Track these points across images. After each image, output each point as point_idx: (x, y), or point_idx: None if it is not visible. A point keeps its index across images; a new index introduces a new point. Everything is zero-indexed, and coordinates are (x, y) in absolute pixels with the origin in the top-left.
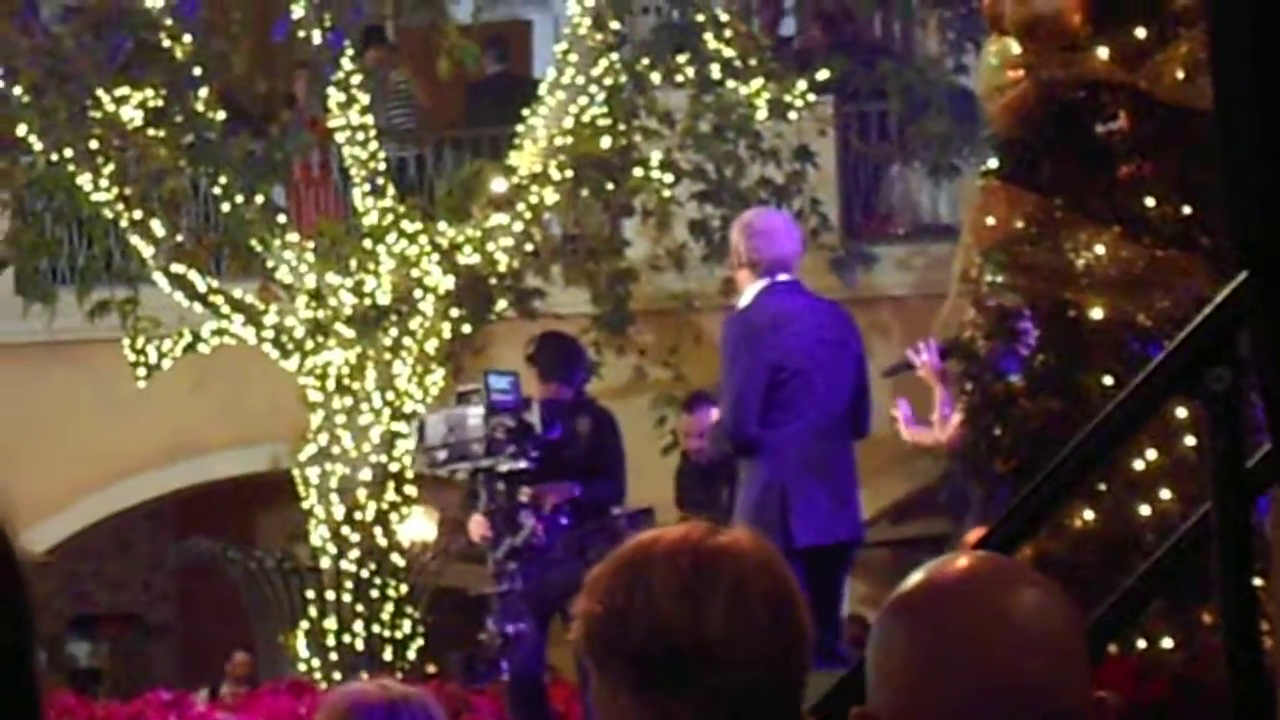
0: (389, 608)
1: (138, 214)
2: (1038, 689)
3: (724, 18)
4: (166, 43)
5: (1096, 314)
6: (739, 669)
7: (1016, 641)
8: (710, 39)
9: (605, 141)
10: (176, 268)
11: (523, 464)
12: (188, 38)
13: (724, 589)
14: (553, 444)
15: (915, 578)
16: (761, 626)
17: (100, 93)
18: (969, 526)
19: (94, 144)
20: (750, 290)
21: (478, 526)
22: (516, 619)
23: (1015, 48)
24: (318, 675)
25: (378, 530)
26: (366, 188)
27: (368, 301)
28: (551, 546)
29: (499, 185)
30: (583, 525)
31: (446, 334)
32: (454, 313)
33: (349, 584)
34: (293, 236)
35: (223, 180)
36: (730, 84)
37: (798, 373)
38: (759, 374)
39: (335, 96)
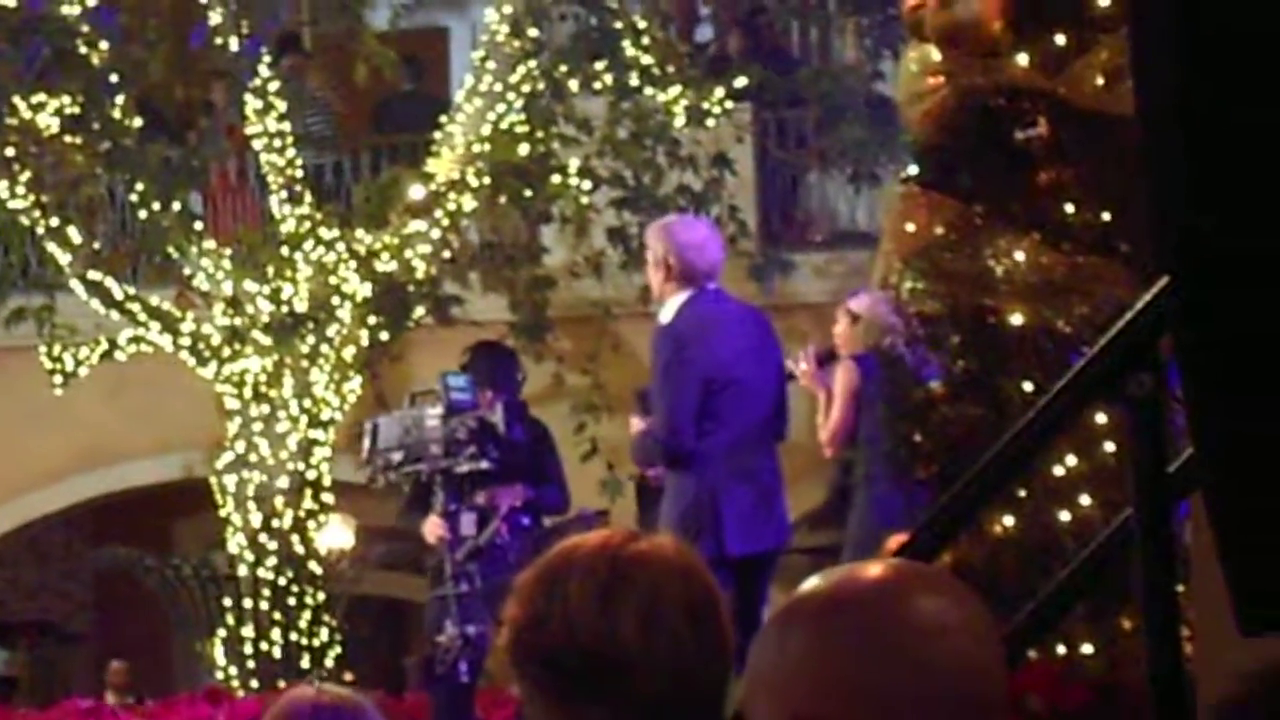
0: (306, 615)
1: (54, 221)
2: (954, 695)
3: (642, 25)
4: (84, 49)
5: (1016, 320)
6: (655, 677)
7: (930, 648)
8: (628, 46)
9: (523, 148)
10: (93, 275)
11: (484, 464)
12: (105, 44)
13: (639, 596)
14: (514, 445)
15: (819, 584)
16: (679, 634)
17: (16, 99)
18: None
19: (10, 151)
20: (675, 300)
21: (434, 528)
22: (475, 620)
23: (935, 54)
24: (235, 683)
25: (295, 538)
26: (284, 195)
27: (285, 309)
28: (515, 546)
29: (417, 192)
30: (537, 528)
31: (364, 341)
32: (371, 320)
33: (266, 591)
34: (210, 244)
35: (140, 187)
36: (648, 91)
37: (727, 382)
38: (693, 386)
39: (252, 104)
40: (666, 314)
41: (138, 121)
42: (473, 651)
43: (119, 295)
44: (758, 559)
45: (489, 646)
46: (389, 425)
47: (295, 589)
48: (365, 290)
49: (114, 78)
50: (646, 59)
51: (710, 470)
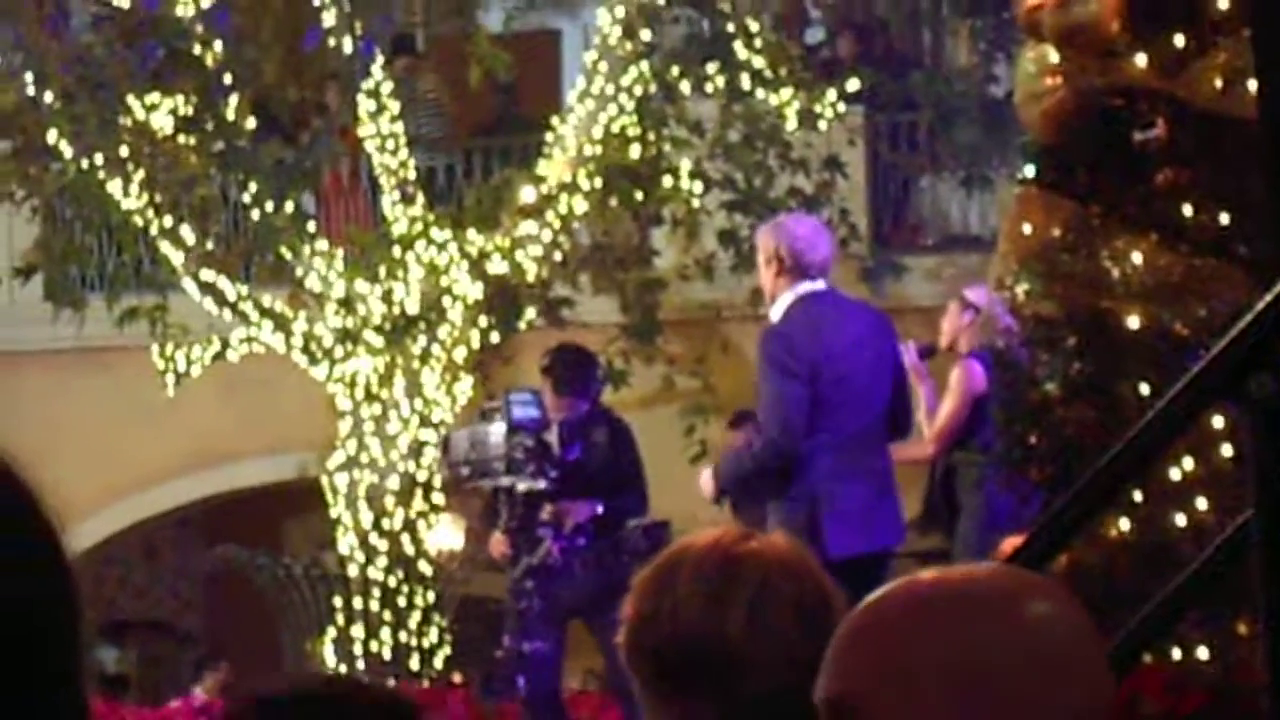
0: (416, 616)
1: (167, 221)
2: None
3: (754, 27)
4: (197, 50)
5: (1133, 322)
6: (763, 675)
7: (1041, 649)
8: (740, 48)
9: (634, 151)
10: (206, 275)
11: (541, 484)
12: (219, 45)
13: (748, 594)
14: (570, 465)
15: (922, 582)
16: (787, 633)
17: (131, 100)
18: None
19: (124, 151)
20: (785, 297)
21: (497, 545)
22: (532, 637)
23: (1053, 55)
24: None
25: (405, 538)
26: (396, 196)
27: (396, 310)
28: (568, 567)
29: (528, 194)
30: (600, 540)
31: (475, 343)
32: (482, 321)
33: (376, 591)
34: (322, 244)
35: (253, 187)
36: (760, 94)
37: (837, 380)
38: (802, 384)
39: (365, 105)
40: (777, 311)
41: (251, 122)
42: (529, 667)
43: (231, 295)
44: (866, 560)
45: (553, 662)
46: (459, 439)
47: (405, 589)
48: (476, 292)
49: (228, 79)
50: (758, 61)
51: (816, 470)
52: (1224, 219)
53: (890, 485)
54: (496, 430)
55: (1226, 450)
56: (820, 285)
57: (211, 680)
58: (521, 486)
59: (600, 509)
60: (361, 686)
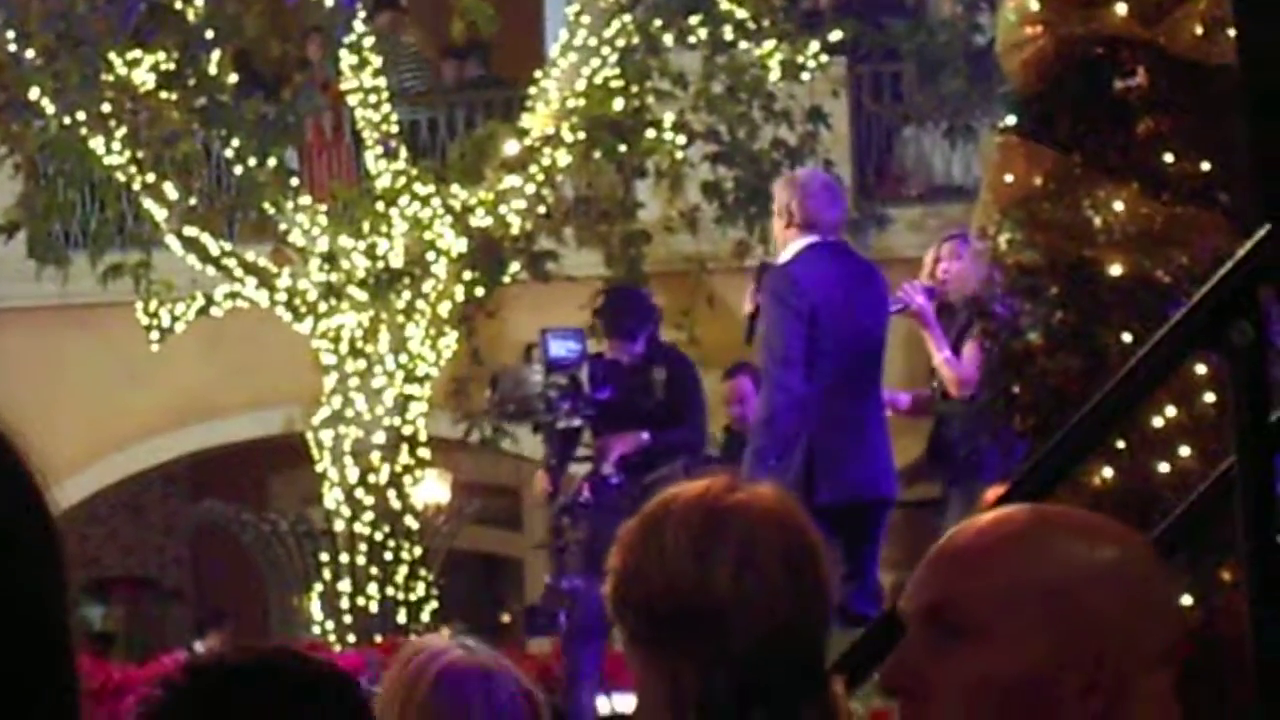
0: (403, 570)
1: (150, 177)
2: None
3: None
4: (179, 5)
5: (1115, 271)
6: (750, 626)
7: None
8: (723, 0)
9: (618, 103)
10: (189, 231)
11: (576, 422)
12: (200, 0)
13: (734, 546)
14: (599, 404)
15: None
16: (774, 584)
17: (112, 56)
18: (969, 489)
19: (106, 107)
20: (793, 245)
21: (539, 481)
22: (570, 574)
23: (1034, 3)
24: (332, 638)
25: (391, 493)
26: (379, 150)
27: (380, 264)
28: (603, 503)
29: (511, 147)
30: (639, 476)
31: (459, 297)
32: (467, 275)
33: (363, 547)
34: (305, 199)
35: (235, 143)
36: (743, 45)
37: (834, 328)
38: (801, 324)
39: (347, 59)
40: (784, 257)
41: (233, 77)
42: (569, 604)
43: (215, 251)
44: (855, 507)
45: (593, 598)
46: (506, 377)
47: (391, 544)
48: (460, 246)
49: (209, 34)
50: (741, 13)
51: (808, 416)
52: (1205, 167)
53: (882, 438)
54: (536, 369)
55: (1209, 397)
56: (829, 238)
57: (214, 639)
58: (561, 424)
59: (646, 438)
60: (297, 657)
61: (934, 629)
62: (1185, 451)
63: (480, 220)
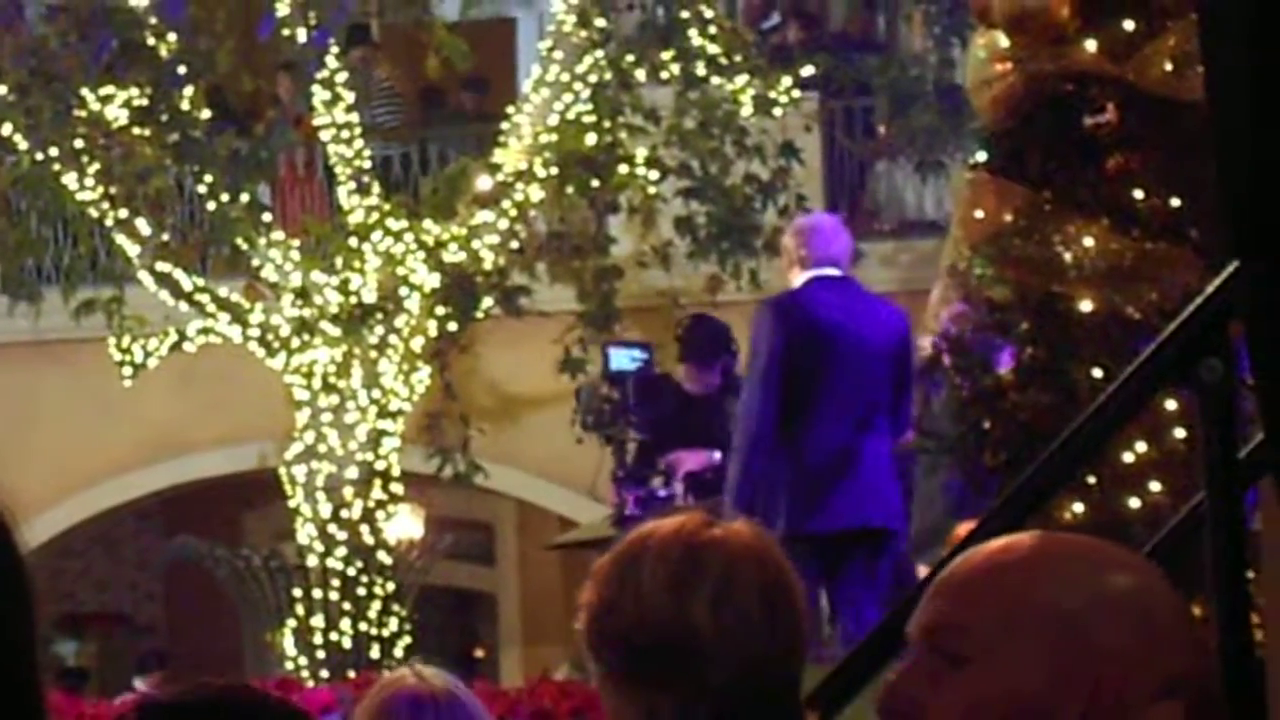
0: (376, 605)
1: (123, 213)
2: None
3: (709, 14)
4: (151, 41)
5: (1086, 306)
6: (727, 664)
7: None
8: (695, 35)
9: (590, 138)
10: (162, 266)
11: (643, 435)
12: (172, 36)
13: (712, 583)
14: (644, 421)
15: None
16: (751, 620)
17: (85, 92)
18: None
19: (79, 143)
20: (796, 282)
21: (611, 494)
22: None
23: (1003, 41)
24: (305, 673)
25: (364, 528)
26: (352, 186)
27: (353, 300)
28: (646, 518)
29: (484, 183)
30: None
31: (432, 332)
32: (440, 310)
33: (336, 582)
34: (278, 235)
35: (208, 179)
36: (715, 80)
37: (815, 360)
38: (774, 364)
39: (320, 95)
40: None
41: (206, 113)
42: None
43: (188, 286)
44: (843, 536)
45: None
46: (586, 390)
47: (365, 579)
48: (433, 281)
49: (182, 69)
50: (713, 48)
51: (780, 449)
52: (1175, 203)
53: (877, 466)
54: (603, 383)
55: (1179, 433)
56: (833, 271)
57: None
58: (623, 437)
59: (718, 457)
60: (253, 694)
61: (932, 655)
62: (1156, 487)
63: (453, 255)
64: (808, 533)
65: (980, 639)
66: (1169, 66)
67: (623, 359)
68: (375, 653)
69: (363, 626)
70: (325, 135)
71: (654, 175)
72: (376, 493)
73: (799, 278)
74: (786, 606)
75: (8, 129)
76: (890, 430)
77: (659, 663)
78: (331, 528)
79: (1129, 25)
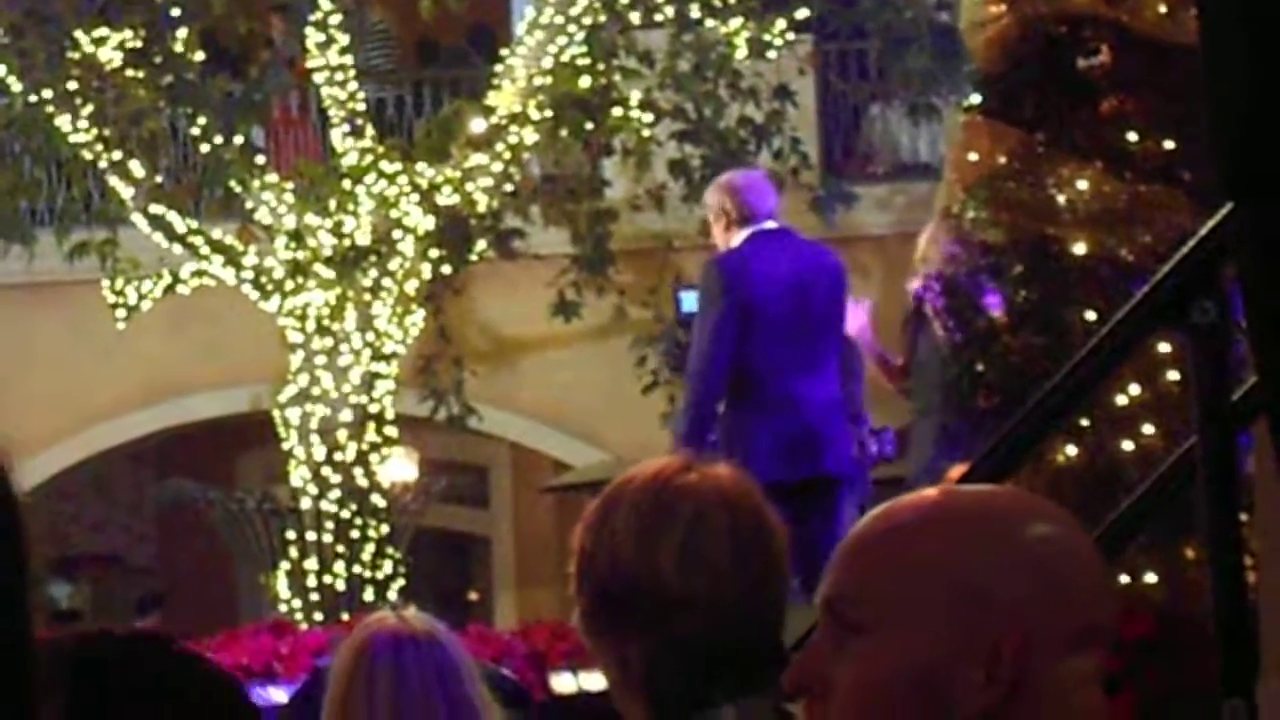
0: (370, 548)
1: (117, 155)
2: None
3: None
4: None
5: (1079, 249)
6: (696, 612)
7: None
8: None
9: (584, 81)
10: (155, 209)
11: None
12: None
13: (682, 528)
14: None
15: (934, 498)
16: (721, 567)
17: (79, 34)
18: (927, 466)
19: (73, 85)
20: (737, 239)
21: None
22: None
23: None
24: (299, 616)
25: (358, 471)
26: (345, 128)
27: (347, 242)
28: None
29: (478, 125)
30: None
31: (426, 274)
32: (433, 253)
33: (329, 525)
34: (272, 177)
35: (202, 121)
36: (709, 23)
37: (767, 313)
38: (730, 317)
39: (314, 37)
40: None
41: (200, 55)
42: None
43: (181, 229)
44: (806, 484)
45: None
46: (667, 335)
47: (358, 522)
48: (427, 224)
49: (176, 11)
50: None
51: (745, 399)
52: (1168, 145)
53: (827, 417)
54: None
55: (1173, 375)
56: (771, 224)
57: (152, 620)
58: None
59: None
60: (170, 650)
61: (833, 623)
62: (1149, 429)
63: (447, 198)
64: (772, 483)
65: (875, 607)
66: (1162, 9)
67: (693, 301)
68: (369, 595)
69: (356, 569)
70: (319, 78)
71: (648, 118)
72: (370, 435)
73: (739, 233)
74: (761, 553)
75: (1, 71)
76: (838, 377)
77: (629, 610)
78: (325, 470)
79: None
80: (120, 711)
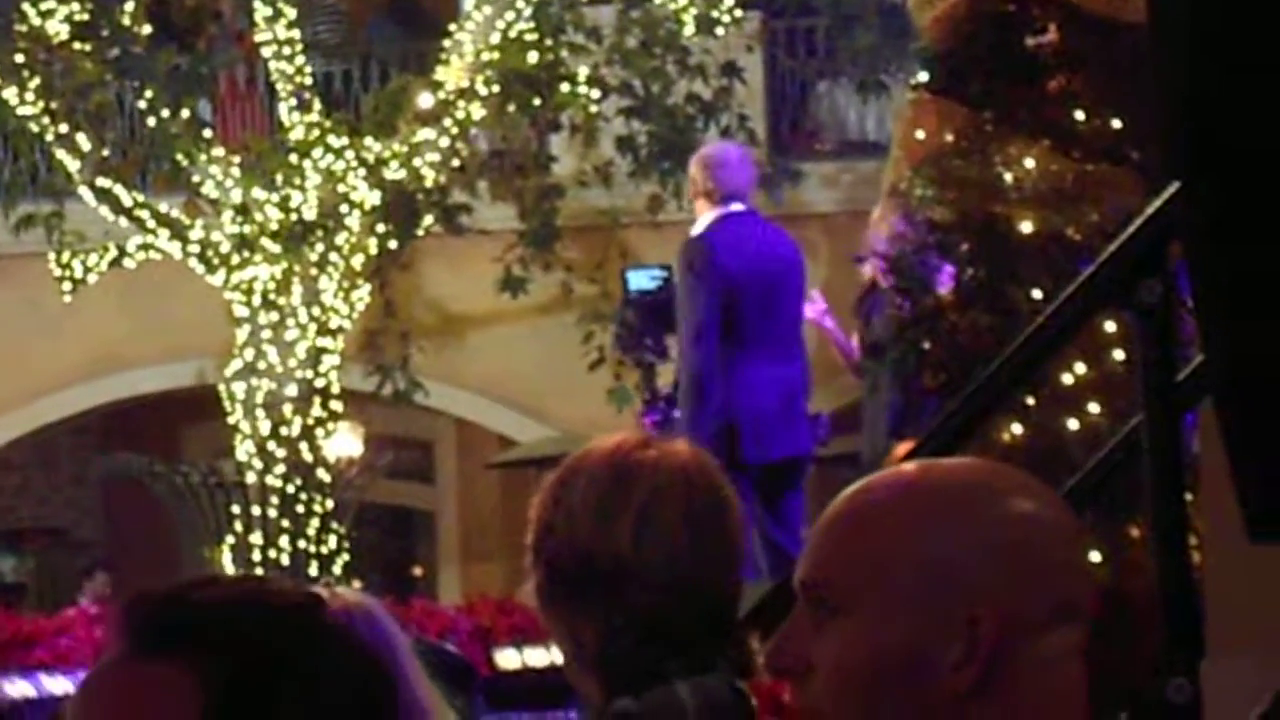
0: (315, 523)
1: (63, 128)
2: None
3: None
4: None
5: (1026, 228)
6: (651, 588)
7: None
8: None
9: (532, 57)
10: (102, 182)
11: (649, 357)
12: None
13: (638, 503)
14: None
15: (906, 473)
16: (675, 542)
17: (26, 6)
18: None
19: (19, 58)
20: (706, 216)
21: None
22: None
23: None
24: None
25: (303, 445)
26: (293, 102)
27: (294, 217)
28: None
29: (425, 100)
30: None
31: (373, 249)
32: (380, 228)
33: (274, 499)
34: (219, 151)
35: (149, 94)
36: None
37: (749, 292)
38: (716, 293)
39: (262, 10)
40: (698, 228)
41: (147, 29)
42: None
43: (128, 202)
44: (781, 465)
45: None
46: (618, 315)
47: (303, 496)
48: (374, 198)
49: None
50: None
51: (729, 381)
52: (1116, 124)
53: (800, 395)
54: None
55: (1119, 355)
56: (739, 206)
57: (91, 589)
58: (647, 358)
59: None
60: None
61: (811, 605)
62: (1094, 409)
63: (394, 173)
64: (755, 463)
65: (848, 589)
66: None
67: (642, 279)
68: (314, 570)
69: (301, 544)
70: (266, 51)
71: (595, 94)
72: (316, 410)
73: (708, 212)
74: (716, 529)
75: None
76: (798, 353)
77: (584, 585)
78: (270, 445)
79: None
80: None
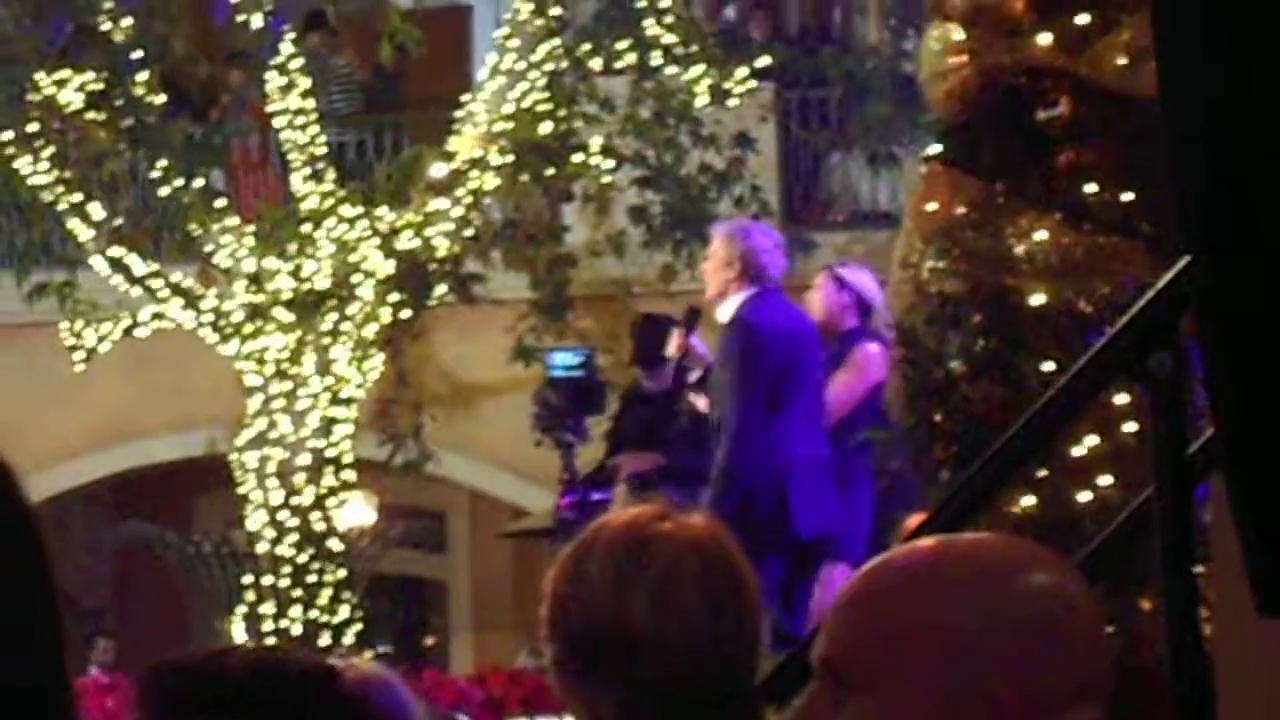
0: (326, 593)
1: (77, 197)
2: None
3: (665, 3)
4: (107, 26)
5: (1037, 300)
6: (668, 661)
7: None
8: (651, 25)
9: (545, 127)
10: (115, 251)
11: (568, 437)
12: (128, 21)
13: (653, 578)
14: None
15: (939, 549)
16: (692, 617)
17: (40, 75)
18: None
19: (33, 127)
20: (738, 297)
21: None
22: None
23: (958, 33)
24: None
25: (315, 515)
26: (306, 172)
27: (306, 286)
28: (582, 520)
29: (439, 170)
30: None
31: (385, 319)
32: (393, 297)
33: (286, 569)
34: (232, 220)
35: (162, 164)
36: (671, 70)
37: (793, 374)
38: (765, 375)
39: (275, 81)
40: (728, 310)
41: (160, 98)
42: None
43: (141, 271)
44: (824, 541)
45: None
46: (540, 393)
47: (315, 566)
48: (387, 268)
49: (137, 54)
50: (669, 38)
51: (780, 456)
52: (1127, 197)
53: (830, 475)
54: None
55: (1130, 427)
56: (774, 288)
57: (104, 646)
58: (566, 439)
59: (662, 460)
60: (283, 664)
61: (830, 682)
62: (1106, 480)
63: (407, 242)
64: (788, 541)
65: (868, 666)
66: (1122, 61)
67: (566, 359)
68: (326, 640)
69: (313, 614)
70: (279, 121)
71: (609, 164)
72: (328, 479)
73: (746, 289)
74: (733, 602)
75: None
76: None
77: (601, 658)
78: (282, 514)
79: (1083, 19)
80: None
